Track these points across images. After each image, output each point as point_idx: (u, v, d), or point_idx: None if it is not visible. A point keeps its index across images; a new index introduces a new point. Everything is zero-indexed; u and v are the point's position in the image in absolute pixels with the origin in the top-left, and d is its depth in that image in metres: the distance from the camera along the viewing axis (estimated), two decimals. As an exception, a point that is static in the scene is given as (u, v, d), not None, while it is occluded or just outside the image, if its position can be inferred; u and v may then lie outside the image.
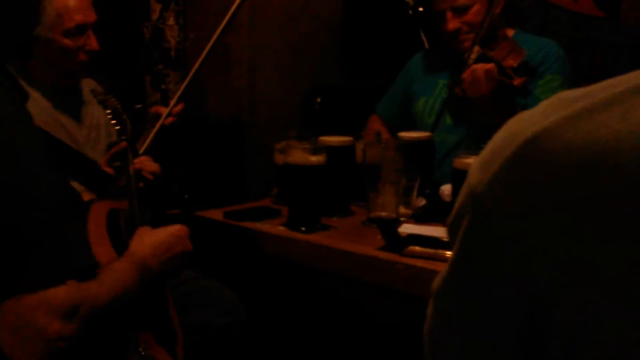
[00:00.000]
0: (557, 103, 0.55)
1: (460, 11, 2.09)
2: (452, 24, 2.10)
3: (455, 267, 0.61)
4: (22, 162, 1.00)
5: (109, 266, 1.09)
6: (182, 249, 1.29)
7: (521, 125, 0.55)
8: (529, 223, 0.53)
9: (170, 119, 2.00)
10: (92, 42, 1.93)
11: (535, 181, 0.53)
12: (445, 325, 0.63)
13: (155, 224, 1.38)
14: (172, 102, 2.04)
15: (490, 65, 1.86)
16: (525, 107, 1.97)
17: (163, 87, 2.50)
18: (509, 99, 1.90)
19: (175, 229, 1.31)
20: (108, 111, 1.66)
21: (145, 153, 1.90)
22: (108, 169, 1.73)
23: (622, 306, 0.49)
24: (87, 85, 2.11)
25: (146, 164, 1.85)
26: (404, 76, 2.40)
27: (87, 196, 1.48)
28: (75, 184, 1.56)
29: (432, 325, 0.65)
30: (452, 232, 0.61)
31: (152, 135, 1.96)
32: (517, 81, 1.87)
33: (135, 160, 1.73)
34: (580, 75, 2.32)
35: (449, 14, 2.11)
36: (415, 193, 1.88)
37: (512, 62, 1.90)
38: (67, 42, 1.87)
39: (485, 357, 0.59)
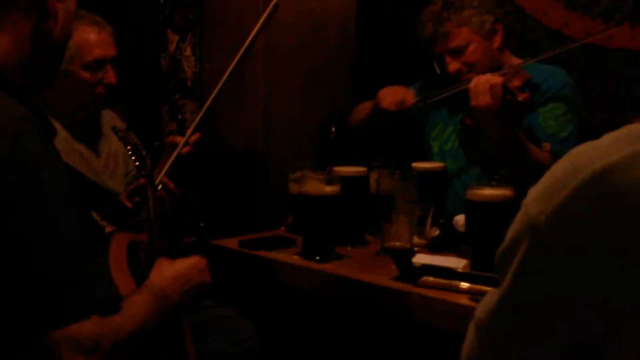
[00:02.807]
0: (626, 136, 0.53)
1: (457, 52, 2.12)
2: (452, 65, 2.13)
3: (508, 298, 0.58)
4: (50, 204, 1.00)
5: (130, 299, 1.08)
6: (201, 280, 1.29)
7: (587, 157, 0.54)
8: (592, 261, 0.51)
9: (186, 149, 2.02)
10: (110, 77, 1.96)
11: (603, 217, 0.51)
12: (490, 355, 0.61)
13: (172, 252, 1.39)
14: (189, 131, 2.06)
15: (497, 80, 1.87)
16: (529, 130, 1.99)
17: (180, 117, 2.53)
18: (515, 117, 1.90)
19: (195, 260, 1.31)
20: (128, 147, 1.68)
21: (162, 183, 1.92)
22: (128, 203, 1.75)
23: None
24: (107, 116, 2.14)
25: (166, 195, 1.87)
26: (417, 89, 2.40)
27: (108, 228, 1.49)
28: (94, 215, 1.58)
29: (474, 353, 0.63)
30: (503, 261, 0.59)
31: (168, 164, 1.98)
32: (521, 97, 1.87)
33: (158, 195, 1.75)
34: (593, 106, 2.32)
35: (447, 57, 2.13)
36: (429, 223, 1.88)
37: (517, 83, 1.92)
38: (85, 75, 1.90)
39: None
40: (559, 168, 0.56)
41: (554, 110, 2.05)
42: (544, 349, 0.56)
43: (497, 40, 2.13)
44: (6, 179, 0.95)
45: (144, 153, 1.67)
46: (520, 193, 1.58)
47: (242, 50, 2.24)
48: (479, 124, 2.00)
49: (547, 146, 1.96)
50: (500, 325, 0.59)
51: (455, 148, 2.22)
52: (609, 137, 0.55)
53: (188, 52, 2.81)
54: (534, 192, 0.57)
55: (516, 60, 2.13)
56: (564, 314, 0.53)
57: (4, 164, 0.95)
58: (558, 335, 0.54)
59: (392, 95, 2.20)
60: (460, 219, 1.81)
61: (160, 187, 1.87)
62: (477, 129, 2.02)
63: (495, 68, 2.02)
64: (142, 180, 1.64)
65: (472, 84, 1.92)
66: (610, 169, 0.51)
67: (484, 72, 1.98)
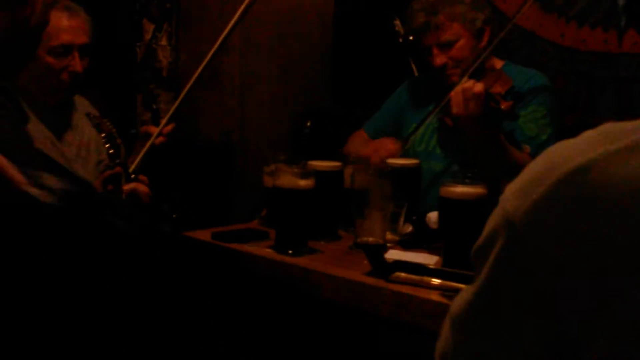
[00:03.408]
0: (604, 135, 0.53)
1: (446, 47, 2.12)
2: (439, 59, 2.12)
3: (483, 292, 0.58)
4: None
5: None
6: None
7: (564, 155, 0.54)
8: (566, 257, 0.51)
9: (160, 139, 2.01)
10: (76, 64, 1.93)
11: (577, 214, 0.51)
12: (465, 350, 0.61)
13: (145, 241, 1.38)
14: (163, 121, 2.05)
15: (480, 89, 1.86)
16: (510, 134, 2.00)
17: (154, 106, 2.51)
18: (495, 123, 1.91)
19: None
20: (103, 135, 1.66)
21: (134, 172, 1.91)
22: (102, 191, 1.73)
23: None
24: (80, 104, 2.12)
25: (138, 187, 1.86)
26: (394, 101, 2.40)
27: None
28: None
29: (449, 348, 0.62)
30: (479, 256, 0.58)
31: (142, 154, 1.96)
32: (504, 105, 1.87)
33: (128, 185, 1.73)
34: (566, 106, 2.34)
35: (435, 50, 2.13)
36: (402, 220, 1.89)
37: (500, 89, 1.92)
38: (49, 60, 1.87)
39: None
40: (536, 165, 0.56)
41: (534, 113, 2.06)
42: (519, 344, 0.55)
43: (485, 39, 2.14)
44: None
45: (119, 142, 1.66)
46: (495, 191, 1.59)
47: (219, 41, 2.24)
48: (459, 127, 2.00)
49: (527, 148, 1.98)
50: (475, 320, 0.59)
51: (430, 149, 2.22)
52: (586, 136, 0.54)
53: (164, 41, 2.80)
54: (511, 188, 0.57)
55: (498, 62, 2.14)
56: (537, 309, 0.53)
57: None
58: (532, 330, 0.54)
59: (380, 152, 2.15)
60: (432, 216, 1.82)
61: (133, 176, 1.86)
62: (457, 129, 2.02)
63: (479, 67, 2.02)
64: (117, 169, 1.62)
65: (453, 92, 1.91)
66: (585, 168, 0.51)
67: (467, 69, 1.99)
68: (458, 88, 1.91)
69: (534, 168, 0.55)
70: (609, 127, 0.53)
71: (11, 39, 1.15)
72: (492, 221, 0.57)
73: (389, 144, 2.19)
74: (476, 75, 1.97)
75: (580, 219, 0.51)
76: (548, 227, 0.52)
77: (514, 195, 0.55)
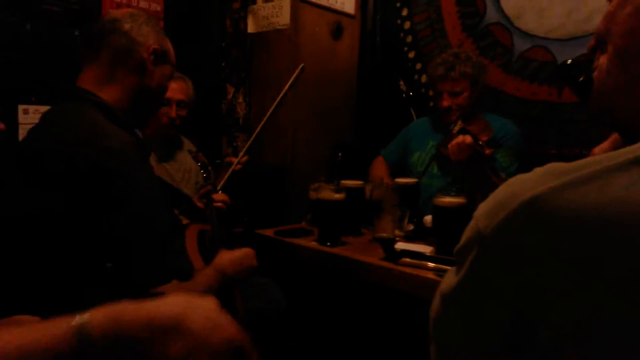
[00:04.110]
0: (550, 173, 0.51)
1: (454, 95, 2.08)
2: (447, 102, 2.09)
3: (463, 283, 0.56)
4: (146, 204, 1.00)
5: (200, 272, 1.08)
6: (249, 264, 1.29)
7: (521, 187, 0.51)
8: (523, 265, 0.49)
9: (238, 166, 2.03)
10: (172, 112, 1.97)
11: (529, 235, 0.49)
12: (449, 318, 0.59)
13: (226, 238, 1.39)
14: (240, 154, 2.07)
15: (470, 140, 1.85)
16: (492, 165, 1.96)
17: (234, 144, 2.54)
18: (480, 162, 1.89)
19: (247, 250, 1.31)
20: (199, 164, 1.68)
21: (220, 189, 1.93)
22: (199, 204, 1.75)
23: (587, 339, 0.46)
24: (184, 143, 2.16)
25: (223, 197, 1.88)
26: (404, 134, 2.38)
27: (184, 221, 1.49)
28: (175, 211, 1.58)
29: (438, 314, 0.61)
30: (460, 256, 0.56)
31: (226, 176, 1.99)
32: (487, 151, 1.85)
33: (216, 197, 1.75)
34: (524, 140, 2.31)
35: (445, 95, 2.09)
36: (406, 221, 1.88)
37: (485, 137, 1.89)
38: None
39: (478, 346, 0.55)
40: (501, 192, 0.54)
41: (508, 150, 2.03)
42: (486, 323, 0.54)
43: (480, 94, 2.12)
44: (116, 185, 0.96)
45: (210, 168, 1.68)
46: (472, 201, 1.57)
47: (278, 99, 2.27)
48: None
49: (503, 175, 1.94)
50: (457, 301, 0.58)
51: (429, 170, 2.19)
52: (537, 172, 0.52)
53: (240, 99, 2.83)
54: (482, 208, 0.55)
55: (480, 112, 2.11)
56: (500, 302, 0.51)
57: (114, 176, 0.96)
58: (496, 315, 0.52)
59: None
60: (428, 218, 1.81)
61: (220, 192, 1.88)
62: (449, 157, 1.99)
63: (472, 113, 1.99)
64: (208, 187, 1.64)
65: (452, 143, 1.89)
66: (536, 199, 0.49)
67: (462, 114, 1.97)
68: (456, 140, 1.87)
69: (499, 195, 0.53)
70: (554, 166, 0.52)
71: (137, 99, 1.17)
72: (468, 232, 0.55)
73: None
74: (468, 120, 1.95)
75: (533, 236, 0.49)
76: (510, 242, 0.51)
77: (483, 215, 0.54)
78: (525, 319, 0.49)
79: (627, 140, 0.54)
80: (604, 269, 0.45)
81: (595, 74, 0.62)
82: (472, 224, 0.55)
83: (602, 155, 0.50)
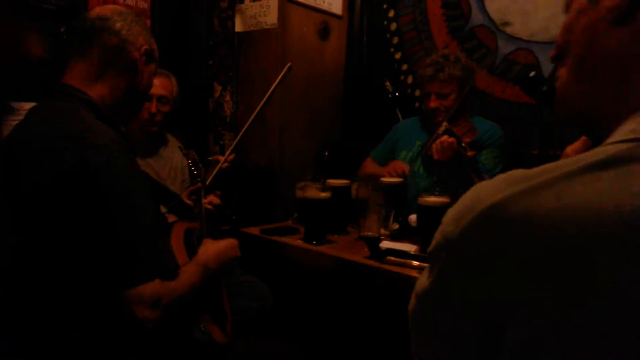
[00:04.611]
0: (510, 180, 0.51)
1: (442, 97, 2.08)
2: (434, 103, 2.08)
3: (432, 287, 0.57)
4: (133, 199, 0.99)
5: (183, 268, 1.06)
6: (233, 255, 1.27)
7: (483, 194, 0.52)
8: (486, 267, 0.50)
9: (225, 164, 2.02)
10: (152, 107, 1.95)
11: (490, 241, 0.50)
12: (423, 315, 0.60)
13: (213, 236, 1.38)
14: (227, 152, 2.06)
15: (453, 140, 1.86)
16: (477, 167, 1.97)
17: (221, 142, 2.53)
18: (462, 162, 1.90)
19: (230, 241, 1.29)
20: (189, 161, 1.66)
21: (209, 187, 1.92)
22: (188, 201, 1.74)
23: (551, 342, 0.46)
24: (170, 140, 2.14)
25: (213, 199, 1.87)
26: (392, 135, 2.38)
27: (170, 218, 1.48)
28: (162, 208, 1.57)
29: (414, 312, 0.62)
30: (431, 258, 0.57)
31: (213, 174, 1.98)
32: (470, 153, 1.86)
33: (208, 198, 1.74)
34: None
35: (433, 96, 2.08)
36: (391, 220, 1.89)
37: (468, 139, 1.90)
38: None
39: (450, 336, 0.55)
40: (465, 199, 0.54)
41: (492, 152, 2.04)
42: (455, 321, 0.54)
43: (467, 92, 2.13)
44: (103, 180, 0.95)
45: (200, 165, 1.66)
46: (456, 201, 1.59)
47: (265, 98, 2.26)
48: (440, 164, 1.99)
49: (486, 177, 1.95)
50: (429, 300, 0.58)
51: (415, 170, 2.21)
52: (499, 179, 0.53)
53: (228, 97, 2.82)
54: (450, 212, 0.55)
55: (467, 114, 2.12)
56: (468, 301, 0.52)
57: (101, 171, 0.95)
58: (464, 314, 0.52)
59: (397, 169, 2.15)
60: (413, 217, 1.82)
61: (214, 193, 1.87)
62: (433, 159, 2.01)
63: (457, 114, 1.99)
64: (198, 185, 1.63)
65: (436, 143, 1.89)
66: (496, 205, 0.50)
67: (448, 114, 1.98)
68: (439, 140, 1.88)
69: (464, 201, 0.54)
70: (515, 173, 0.52)
71: (125, 97, 1.17)
72: (438, 236, 0.56)
73: (401, 164, 2.18)
74: (453, 121, 1.95)
75: (492, 242, 0.49)
76: (473, 247, 0.51)
77: (450, 220, 0.54)
78: (491, 324, 0.49)
79: (594, 142, 0.55)
80: (559, 275, 0.46)
81: (557, 83, 0.63)
82: (440, 227, 0.56)
83: (560, 161, 0.50)
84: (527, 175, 0.51)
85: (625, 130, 0.51)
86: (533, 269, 0.47)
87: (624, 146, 0.48)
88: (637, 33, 0.53)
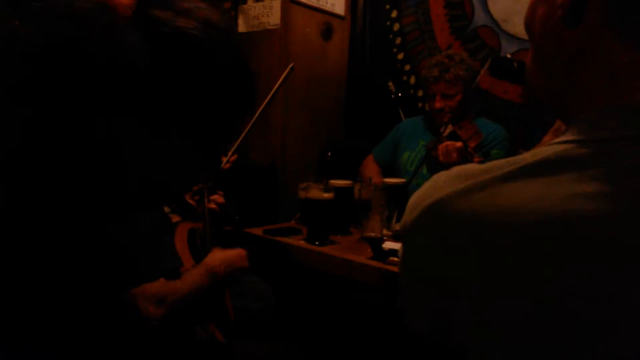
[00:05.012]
0: (453, 178, 0.54)
1: (447, 97, 2.08)
2: (439, 104, 2.08)
3: (402, 263, 0.61)
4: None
5: (190, 270, 1.07)
6: (241, 265, 1.27)
7: (431, 190, 0.54)
8: (429, 263, 0.53)
9: (227, 165, 2.01)
10: None
11: (432, 235, 0.53)
12: (403, 285, 0.63)
13: (216, 236, 1.38)
14: (229, 153, 2.04)
15: (460, 144, 1.86)
16: None
17: (223, 143, 2.53)
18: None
19: (239, 251, 1.29)
20: None
21: (212, 187, 1.91)
22: (191, 202, 1.74)
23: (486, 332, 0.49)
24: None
25: (218, 198, 1.87)
26: (394, 134, 2.38)
27: (175, 218, 1.48)
28: (165, 208, 1.56)
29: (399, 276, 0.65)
30: (400, 235, 0.62)
31: (215, 175, 1.98)
32: (476, 159, 1.86)
33: (212, 197, 1.73)
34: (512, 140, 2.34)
35: (438, 97, 2.08)
36: (394, 220, 1.89)
37: (473, 143, 1.90)
38: None
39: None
40: (419, 192, 0.57)
41: (497, 154, 2.04)
42: (418, 296, 0.57)
43: (472, 97, 2.13)
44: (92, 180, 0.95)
45: None
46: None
47: (268, 98, 2.26)
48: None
49: None
50: (401, 268, 0.61)
51: (420, 171, 2.21)
52: (451, 174, 0.55)
53: (230, 98, 2.82)
54: (411, 199, 0.58)
55: (470, 116, 2.10)
56: (426, 281, 0.55)
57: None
58: (426, 290, 0.56)
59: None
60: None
61: (217, 193, 1.86)
62: (438, 159, 2.01)
63: (462, 116, 1.99)
64: (202, 185, 1.63)
65: (442, 145, 1.89)
66: (438, 202, 0.52)
67: (454, 115, 1.98)
68: (446, 143, 1.88)
69: (418, 194, 0.56)
70: (465, 169, 0.54)
71: None
72: (402, 219, 0.59)
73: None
74: (458, 123, 1.95)
75: (434, 236, 0.52)
76: (419, 239, 0.54)
77: (408, 208, 0.57)
78: (441, 312, 0.53)
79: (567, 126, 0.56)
80: (488, 275, 0.48)
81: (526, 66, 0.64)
82: (403, 216, 0.59)
83: (510, 159, 0.52)
84: (473, 173, 0.52)
85: (572, 130, 0.52)
86: (471, 267, 0.49)
87: (560, 147, 0.50)
88: (585, 33, 0.53)
